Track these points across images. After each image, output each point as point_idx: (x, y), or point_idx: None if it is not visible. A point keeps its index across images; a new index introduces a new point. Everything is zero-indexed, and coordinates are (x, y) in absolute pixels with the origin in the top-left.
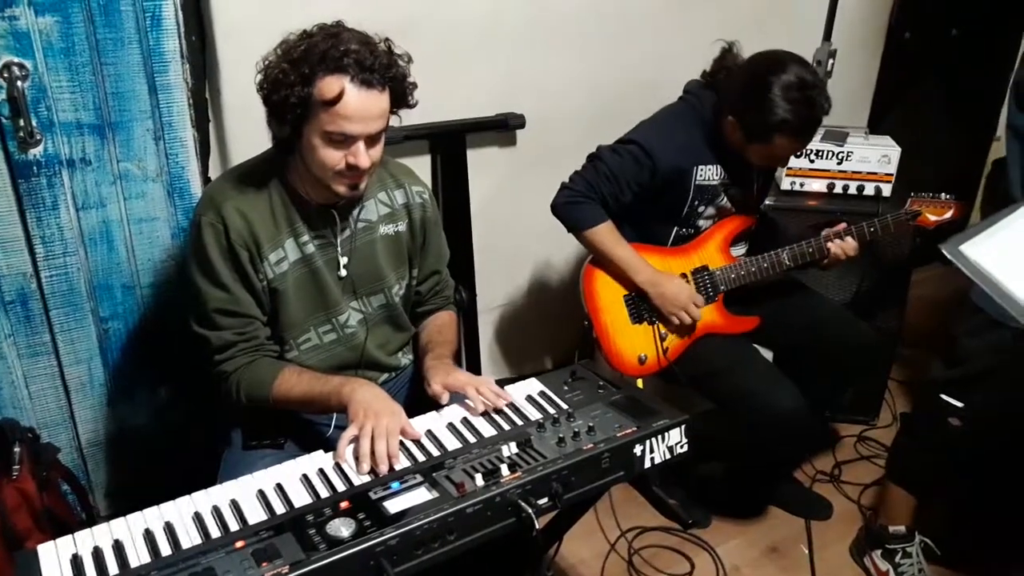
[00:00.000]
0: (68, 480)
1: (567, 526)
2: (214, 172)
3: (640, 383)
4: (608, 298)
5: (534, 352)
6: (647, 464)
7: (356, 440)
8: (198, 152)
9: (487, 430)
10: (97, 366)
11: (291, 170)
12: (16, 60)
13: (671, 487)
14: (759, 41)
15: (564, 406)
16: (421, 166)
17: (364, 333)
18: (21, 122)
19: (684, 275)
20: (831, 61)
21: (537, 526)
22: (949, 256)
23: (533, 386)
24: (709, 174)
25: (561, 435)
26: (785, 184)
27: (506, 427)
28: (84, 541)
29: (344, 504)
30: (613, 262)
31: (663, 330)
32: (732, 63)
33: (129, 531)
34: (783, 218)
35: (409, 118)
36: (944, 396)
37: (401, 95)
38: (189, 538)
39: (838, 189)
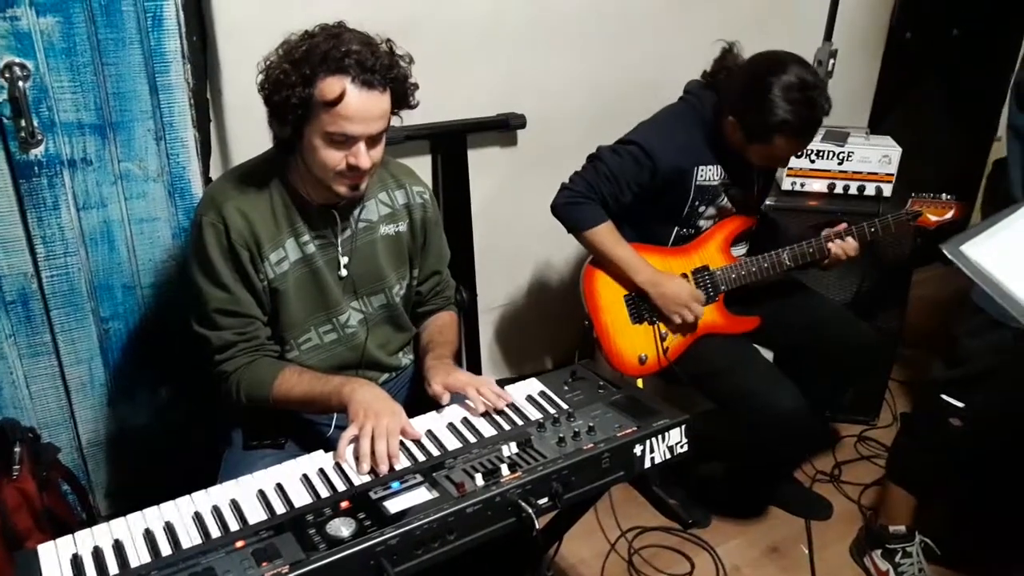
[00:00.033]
0: (68, 480)
1: (567, 526)
2: (215, 172)
3: (640, 383)
4: (608, 298)
5: (534, 352)
6: (647, 464)
7: (356, 440)
8: (199, 152)
9: (487, 430)
10: (98, 366)
11: (292, 170)
12: (17, 60)
13: (671, 487)
14: (760, 41)
15: (564, 406)
16: (422, 166)
17: (365, 333)
18: (22, 122)
19: (684, 275)
20: (832, 61)
21: (537, 526)
22: (950, 256)
23: (533, 386)
24: (709, 174)
25: (561, 435)
26: (786, 184)
27: (506, 427)
28: (84, 541)
29: (344, 504)
30: (613, 262)
31: (663, 330)
32: (732, 63)
33: (129, 531)
34: (784, 218)
35: (410, 118)
36: (945, 396)
37: (402, 96)
38: (189, 538)
39: (839, 189)
